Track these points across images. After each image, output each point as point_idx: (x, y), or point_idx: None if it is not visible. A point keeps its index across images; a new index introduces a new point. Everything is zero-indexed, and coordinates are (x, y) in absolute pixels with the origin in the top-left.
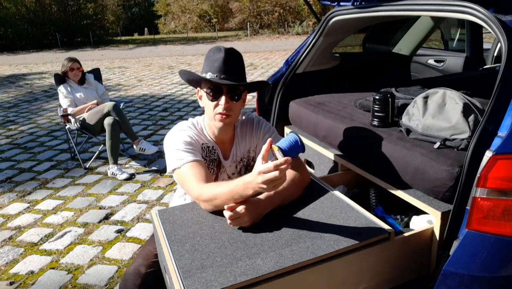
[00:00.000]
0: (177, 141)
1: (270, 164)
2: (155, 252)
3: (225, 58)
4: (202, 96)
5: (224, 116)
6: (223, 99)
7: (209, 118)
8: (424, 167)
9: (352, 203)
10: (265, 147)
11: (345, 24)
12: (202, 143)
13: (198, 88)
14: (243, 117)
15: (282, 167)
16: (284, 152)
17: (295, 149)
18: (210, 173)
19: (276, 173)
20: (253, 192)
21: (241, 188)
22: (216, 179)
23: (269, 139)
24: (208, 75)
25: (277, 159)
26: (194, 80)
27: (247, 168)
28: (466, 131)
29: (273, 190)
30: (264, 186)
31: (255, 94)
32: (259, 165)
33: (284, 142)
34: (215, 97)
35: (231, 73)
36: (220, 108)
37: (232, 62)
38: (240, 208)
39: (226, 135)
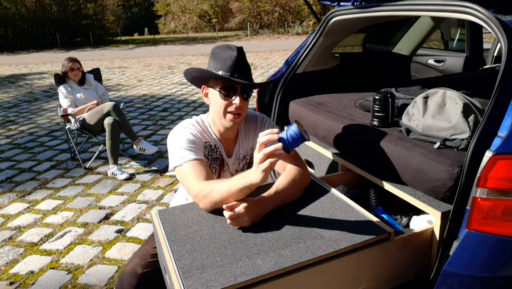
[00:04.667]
0: (180, 139)
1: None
2: (152, 252)
3: (238, 57)
4: (208, 94)
5: (236, 116)
6: (237, 98)
7: (218, 117)
8: (424, 167)
9: (352, 203)
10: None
11: (345, 24)
12: (205, 142)
13: (204, 86)
14: (247, 115)
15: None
16: (287, 144)
17: (297, 141)
18: (213, 172)
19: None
20: (250, 181)
21: (239, 179)
22: (219, 178)
23: (270, 130)
24: (220, 73)
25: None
26: (201, 78)
27: (249, 165)
28: (466, 132)
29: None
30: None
31: (255, 94)
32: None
33: (286, 133)
34: (228, 96)
35: (243, 73)
36: (233, 108)
37: (244, 62)
38: (240, 208)
39: (232, 134)
